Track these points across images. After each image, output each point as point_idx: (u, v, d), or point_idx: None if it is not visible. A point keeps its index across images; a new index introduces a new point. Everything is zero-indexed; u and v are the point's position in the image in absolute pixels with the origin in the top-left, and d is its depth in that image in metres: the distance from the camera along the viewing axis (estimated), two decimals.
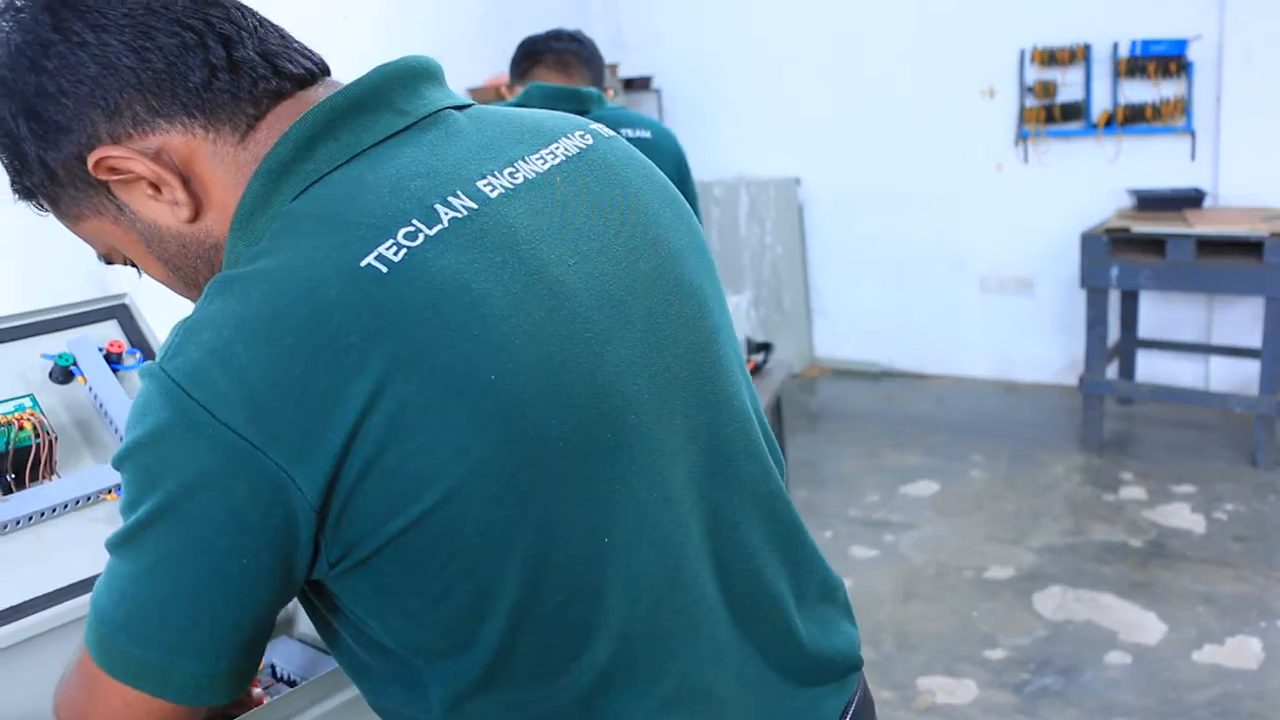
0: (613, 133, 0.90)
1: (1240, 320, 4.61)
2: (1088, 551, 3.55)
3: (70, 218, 0.82)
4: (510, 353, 0.70)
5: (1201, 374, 4.79)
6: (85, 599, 1.21)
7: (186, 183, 0.77)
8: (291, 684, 1.24)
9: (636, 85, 5.81)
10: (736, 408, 0.86)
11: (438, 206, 0.73)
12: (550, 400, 0.71)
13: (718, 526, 0.83)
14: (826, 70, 5.43)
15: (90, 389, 1.36)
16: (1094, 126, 4.82)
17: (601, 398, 0.74)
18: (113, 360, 1.41)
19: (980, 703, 2.80)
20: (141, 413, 0.69)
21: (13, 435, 1.21)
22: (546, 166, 0.79)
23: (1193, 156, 4.64)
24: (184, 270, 0.82)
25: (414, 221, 0.71)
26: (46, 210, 0.85)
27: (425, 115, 0.79)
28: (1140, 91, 4.69)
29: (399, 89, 0.79)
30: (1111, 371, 4.68)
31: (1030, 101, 4.96)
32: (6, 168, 0.82)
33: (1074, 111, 4.86)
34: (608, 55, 5.78)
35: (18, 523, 1.23)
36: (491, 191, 0.75)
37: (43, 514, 1.25)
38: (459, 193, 0.74)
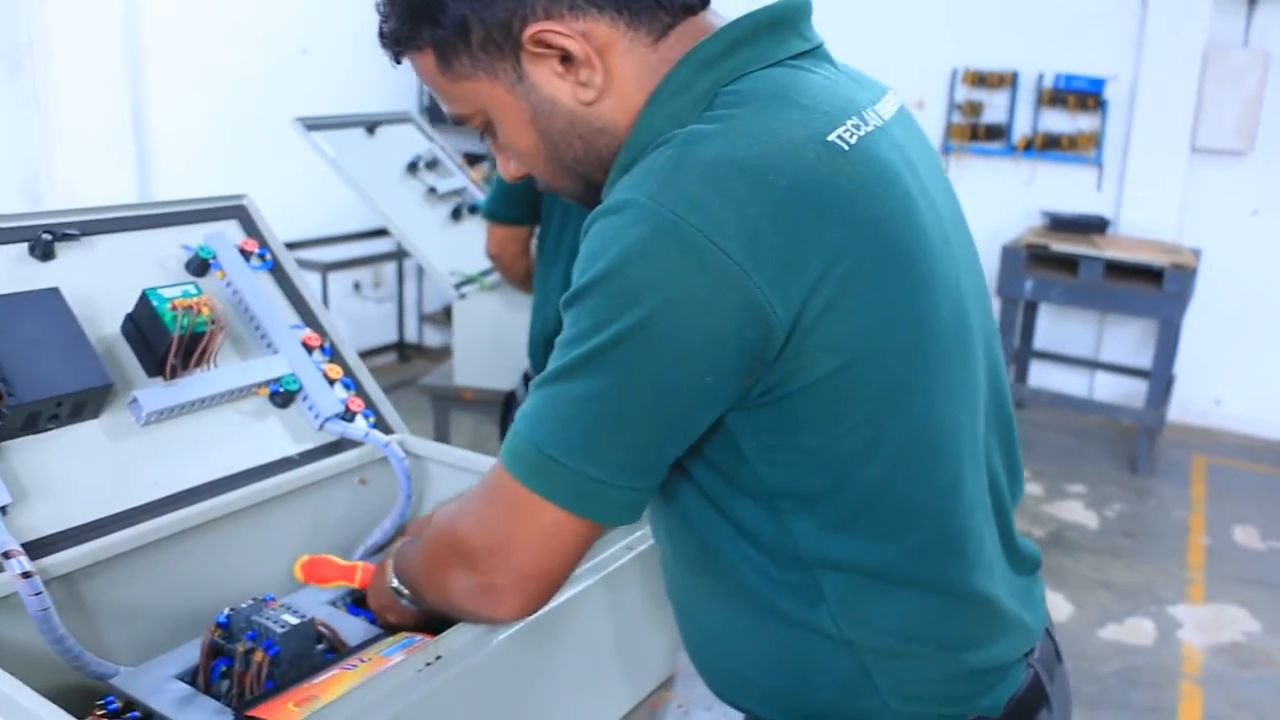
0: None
1: (1126, 341, 5.05)
2: None
3: (454, 74, 0.86)
4: (927, 239, 0.81)
5: (1086, 386, 5.22)
6: (249, 490, 1.22)
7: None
8: None
9: None
10: (997, 334, 0.97)
11: (862, 114, 0.83)
12: (942, 286, 0.82)
13: (984, 429, 0.94)
14: None
15: (229, 283, 1.35)
16: (1013, 148, 5.17)
17: (959, 298, 0.86)
18: (245, 257, 1.40)
19: None
20: (617, 239, 0.73)
21: (191, 320, 1.20)
22: (890, 114, 0.89)
23: (1099, 187, 5.05)
24: (558, 145, 0.87)
25: (854, 119, 0.81)
26: (403, 58, 0.88)
27: (817, 45, 0.89)
28: (1059, 121, 5.07)
29: (802, 18, 0.88)
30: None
31: (957, 118, 5.27)
32: (404, 17, 0.85)
33: (996, 132, 5.20)
34: None
35: (183, 408, 1.22)
36: (878, 120, 0.85)
37: (203, 401, 1.24)
38: (864, 111, 0.84)
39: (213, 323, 1.22)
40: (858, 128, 0.80)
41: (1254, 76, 4.63)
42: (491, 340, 2.42)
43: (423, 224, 2.61)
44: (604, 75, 0.83)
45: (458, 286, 2.48)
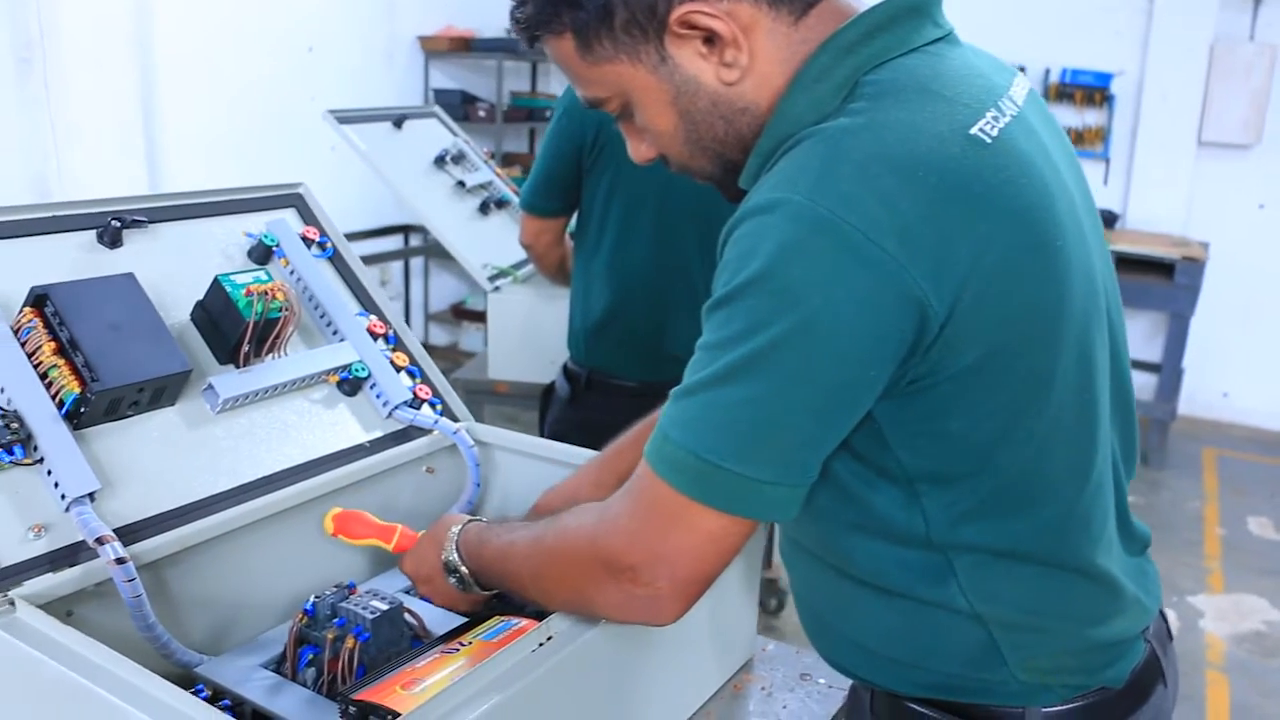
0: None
1: (1135, 334, 5.07)
2: None
3: (594, 58, 0.85)
4: (1064, 226, 0.81)
5: None
6: (322, 479, 1.21)
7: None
8: None
9: None
10: (1121, 308, 0.98)
11: (999, 104, 0.82)
12: (1078, 270, 0.83)
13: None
14: None
15: (293, 270, 1.34)
16: None
17: (1092, 279, 0.86)
18: (306, 245, 1.39)
19: None
20: (772, 239, 0.73)
21: (266, 306, 1.18)
22: (1022, 98, 0.89)
23: (1105, 181, 5.07)
24: (699, 125, 0.86)
25: (992, 109, 0.81)
26: (538, 43, 0.87)
27: (949, 32, 0.88)
28: (1065, 116, 5.08)
29: (935, 4, 0.88)
30: None
31: None
32: (545, 1, 0.84)
33: None
34: None
35: (256, 395, 1.21)
36: (1013, 108, 0.84)
37: (276, 389, 1.23)
38: (1000, 100, 0.83)
39: (285, 309, 1.21)
40: (997, 119, 0.80)
41: (1261, 70, 4.66)
42: (525, 333, 2.41)
43: (453, 217, 2.61)
44: (748, 55, 0.83)
45: (491, 279, 2.47)
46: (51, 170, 3.68)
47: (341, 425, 1.28)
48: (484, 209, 2.72)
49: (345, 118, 2.57)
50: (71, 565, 0.99)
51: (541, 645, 0.88)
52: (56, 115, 3.69)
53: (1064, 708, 0.89)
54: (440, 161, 2.71)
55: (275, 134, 4.52)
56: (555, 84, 6.22)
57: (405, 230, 5.46)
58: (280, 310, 1.20)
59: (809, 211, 0.73)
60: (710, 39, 0.82)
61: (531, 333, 2.41)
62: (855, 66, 0.81)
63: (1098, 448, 0.88)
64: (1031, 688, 0.88)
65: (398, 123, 2.73)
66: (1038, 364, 0.80)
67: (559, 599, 0.91)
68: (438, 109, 2.95)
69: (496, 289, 2.47)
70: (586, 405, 2.05)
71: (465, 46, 5.41)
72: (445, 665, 0.93)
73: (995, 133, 0.79)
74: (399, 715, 0.83)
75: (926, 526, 0.84)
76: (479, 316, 5.61)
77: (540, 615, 1.04)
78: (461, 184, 2.70)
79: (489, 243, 2.63)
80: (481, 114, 5.42)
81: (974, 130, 0.78)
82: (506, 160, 5.58)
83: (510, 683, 0.84)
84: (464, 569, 1.02)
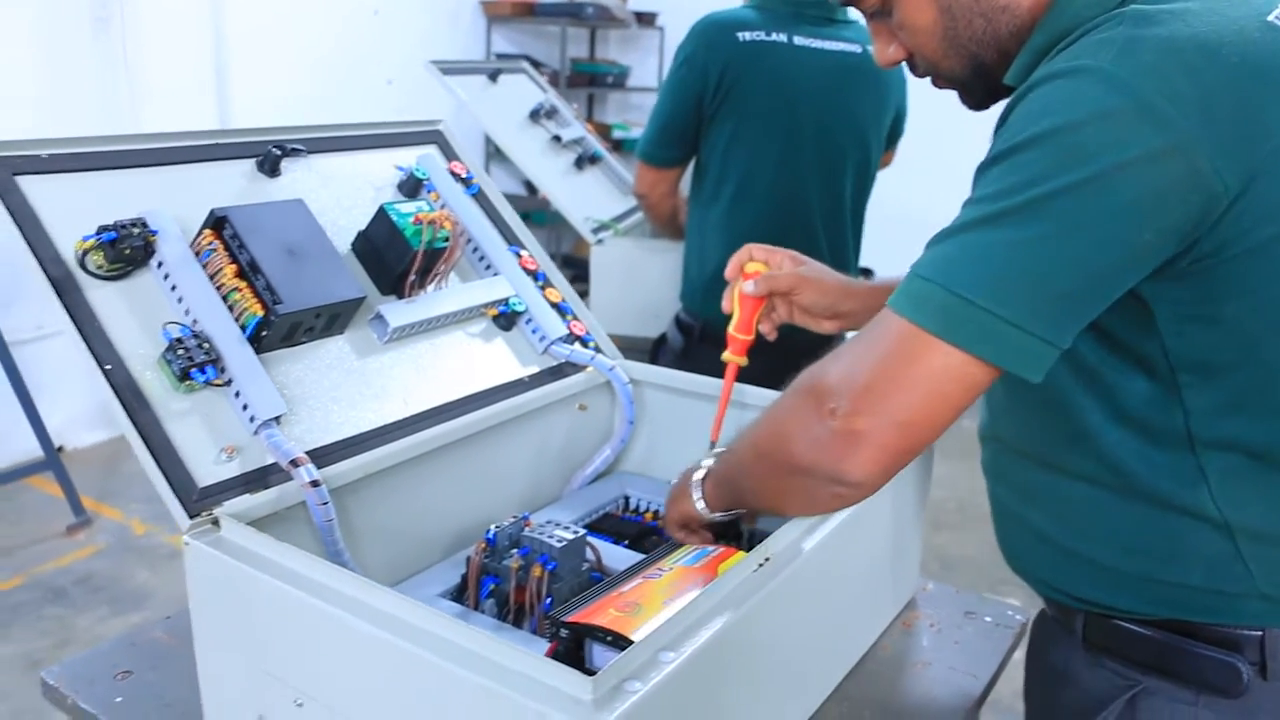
0: None
1: None
2: None
3: None
4: None
5: None
6: (486, 412, 1.19)
7: None
8: None
9: (642, 21, 5.77)
10: None
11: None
12: None
13: None
14: None
15: (443, 204, 1.32)
16: None
17: None
18: (454, 180, 1.37)
19: None
20: (1072, 100, 0.74)
21: (434, 235, 1.16)
22: None
23: None
24: (958, 21, 0.87)
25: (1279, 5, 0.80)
26: None
27: None
28: None
29: None
30: None
31: None
32: None
33: None
34: None
35: (421, 326, 1.19)
36: None
37: (439, 320, 1.21)
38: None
39: (451, 239, 1.19)
40: None
41: None
42: (627, 286, 2.38)
43: (554, 171, 2.59)
44: None
45: (594, 232, 2.45)
46: (128, 129, 3.70)
47: (500, 359, 1.27)
48: (579, 164, 2.69)
49: (447, 69, 2.55)
50: (265, 488, 0.98)
51: (761, 566, 0.86)
52: (134, 76, 3.70)
53: None
54: (535, 116, 2.69)
55: (341, 95, 4.51)
56: (614, 50, 6.16)
57: None
58: (446, 240, 1.18)
59: (1114, 76, 0.73)
60: None
61: (634, 285, 2.38)
62: None
63: None
64: (1274, 606, 0.85)
65: (493, 76, 2.71)
66: None
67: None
68: (526, 65, 2.92)
69: (600, 241, 2.44)
70: (700, 357, 2.02)
71: (528, 11, 5.36)
72: (657, 588, 0.91)
73: None
74: (630, 641, 0.81)
75: (1186, 420, 0.82)
76: None
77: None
78: (557, 138, 2.68)
79: (589, 196, 2.60)
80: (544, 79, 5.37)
81: (1270, 17, 0.78)
82: None
83: (737, 603, 0.82)
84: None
